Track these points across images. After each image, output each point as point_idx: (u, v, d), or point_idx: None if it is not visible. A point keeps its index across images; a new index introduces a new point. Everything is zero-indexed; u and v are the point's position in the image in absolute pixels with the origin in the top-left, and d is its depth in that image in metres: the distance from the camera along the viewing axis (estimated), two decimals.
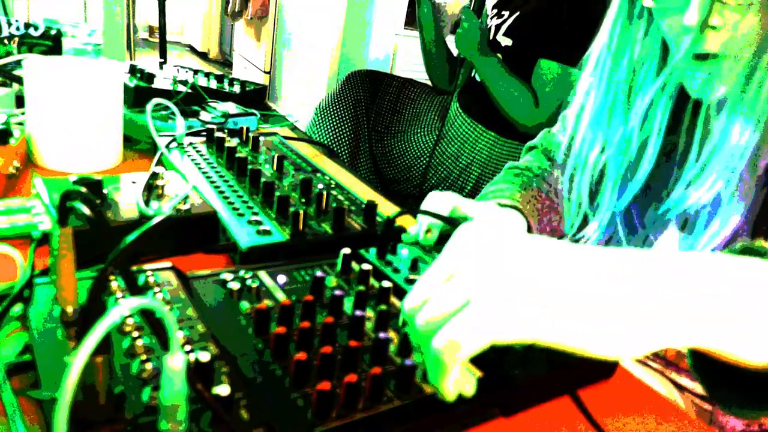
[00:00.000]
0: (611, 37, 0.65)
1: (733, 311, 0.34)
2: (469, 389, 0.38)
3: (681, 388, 0.69)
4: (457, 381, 0.36)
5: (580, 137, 0.70)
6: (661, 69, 0.62)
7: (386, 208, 0.80)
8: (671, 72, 0.59)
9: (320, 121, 1.67)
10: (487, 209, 0.70)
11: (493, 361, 0.43)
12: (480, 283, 0.34)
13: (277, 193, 0.62)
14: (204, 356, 0.34)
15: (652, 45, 0.63)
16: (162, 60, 3.07)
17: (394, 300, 0.49)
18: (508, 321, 0.33)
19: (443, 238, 0.61)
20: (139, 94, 0.91)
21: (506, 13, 1.47)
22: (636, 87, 0.64)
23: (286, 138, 0.95)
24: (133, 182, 0.61)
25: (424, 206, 0.66)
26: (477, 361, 0.43)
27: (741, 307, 0.35)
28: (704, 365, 0.40)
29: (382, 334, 0.40)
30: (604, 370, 0.49)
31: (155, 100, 0.76)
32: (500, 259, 0.35)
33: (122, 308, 0.28)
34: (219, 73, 1.18)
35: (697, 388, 0.68)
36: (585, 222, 0.71)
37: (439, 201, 0.67)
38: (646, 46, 0.63)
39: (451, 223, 0.59)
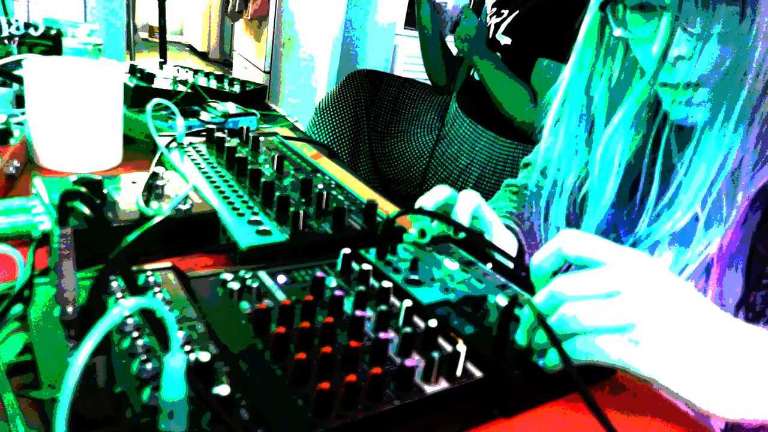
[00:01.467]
0: (580, 69, 0.66)
1: None
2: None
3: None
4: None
5: (554, 167, 0.70)
6: (640, 96, 0.62)
7: (386, 208, 0.80)
8: (639, 98, 0.59)
9: (320, 121, 1.67)
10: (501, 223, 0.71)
11: (493, 361, 0.43)
12: (647, 315, 0.40)
13: (277, 193, 0.62)
14: (204, 356, 0.34)
15: (623, 73, 0.63)
16: (162, 60, 3.07)
17: (394, 300, 0.49)
18: (659, 358, 0.39)
19: (440, 239, 0.61)
20: (139, 94, 0.91)
21: (505, 12, 1.47)
22: (608, 114, 0.65)
23: (286, 138, 0.95)
24: (133, 182, 0.61)
25: (458, 205, 0.65)
26: (477, 360, 0.43)
27: None
28: None
29: (382, 334, 0.40)
30: (604, 371, 0.49)
31: (155, 100, 0.76)
32: (668, 298, 0.41)
33: (122, 308, 0.28)
34: (219, 73, 1.18)
35: None
36: None
37: (469, 200, 0.65)
38: (616, 75, 0.64)
39: (448, 222, 0.59)
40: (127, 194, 0.58)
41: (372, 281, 0.51)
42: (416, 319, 0.47)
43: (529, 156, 0.94)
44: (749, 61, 0.50)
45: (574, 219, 0.71)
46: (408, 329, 0.42)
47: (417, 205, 0.63)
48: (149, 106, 0.75)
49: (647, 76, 0.57)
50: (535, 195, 0.82)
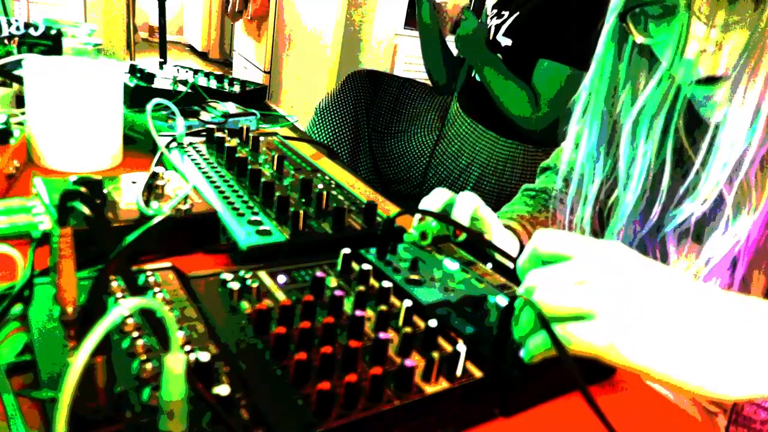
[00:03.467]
0: (600, 79, 0.65)
1: None
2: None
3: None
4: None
5: (577, 174, 0.70)
6: (663, 100, 0.61)
7: (386, 208, 0.80)
8: (662, 101, 0.59)
9: (320, 121, 1.67)
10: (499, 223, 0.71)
11: (493, 361, 0.43)
12: (612, 301, 0.39)
13: (277, 193, 0.62)
14: (204, 356, 0.34)
15: (644, 78, 0.63)
16: (162, 60, 3.08)
17: (394, 300, 0.49)
18: (628, 344, 0.38)
19: (440, 239, 0.61)
20: (139, 94, 0.91)
21: (506, 13, 1.47)
22: (633, 120, 0.64)
23: (286, 138, 0.95)
24: (133, 182, 0.61)
25: (457, 207, 0.64)
26: (477, 360, 0.43)
27: None
28: None
29: (382, 334, 0.40)
30: (603, 371, 0.49)
31: (155, 100, 0.76)
32: (635, 286, 0.39)
33: (122, 308, 0.28)
34: (219, 73, 1.18)
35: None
36: None
37: (468, 201, 0.65)
38: (638, 81, 0.63)
39: (448, 222, 0.59)
40: (127, 194, 0.58)
41: (372, 281, 0.51)
42: (416, 319, 0.47)
43: (547, 161, 0.94)
44: (763, 47, 0.50)
45: (600, 226, 0.71)
46: (408, 329, 0.42)
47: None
48: (149, 106, 0.75)
49: (663, 73, 0.56)
50: (557, 201, 0.81)
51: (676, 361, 0.37)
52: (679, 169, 0.63)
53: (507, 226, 0.76)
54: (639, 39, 0.59)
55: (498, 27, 1.48)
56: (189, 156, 0.75)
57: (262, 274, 0.50)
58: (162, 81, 1.01)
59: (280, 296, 0.47)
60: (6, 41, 0.95)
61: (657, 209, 0.63)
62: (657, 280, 0.40)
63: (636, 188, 0.64)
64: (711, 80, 0.55)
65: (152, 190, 0.60)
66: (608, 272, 0.40)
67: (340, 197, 0.70)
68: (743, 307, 0.40)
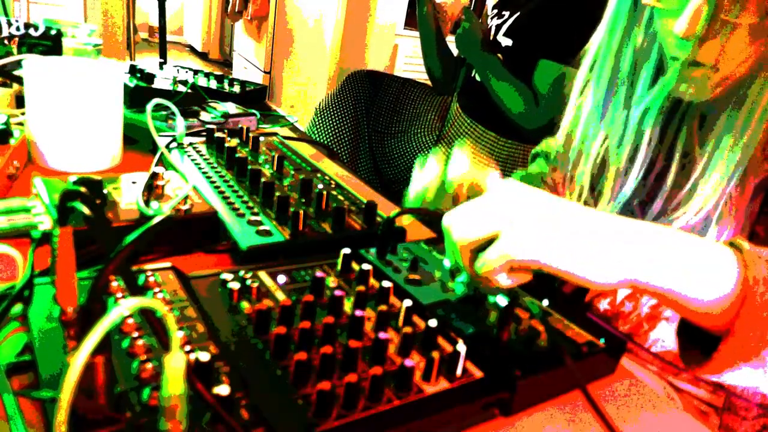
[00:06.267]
0: (611, 33, 0.66)
1: (687, 265, 0.44)
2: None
3: (679, 391, 0.69)
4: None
5: (580, 130, 0.70)
6: (659, 67, 0.62)
7: (386, 208, 0.80)
8: (670, 78, 0.59)
9: (320, 121, 1.67)
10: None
11: (493, 361, 0.43)
12: (509, 218, 0.43)
13: (277, 193, 0.62)
14: (204, 356, 0.34)
15: (651, 43, 0.63)
16: (162, 60, 3.07)
17: (394, 300, 0.49)
18: (529, 247, 0.42)
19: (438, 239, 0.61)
20: (139, 94, 0.91)
21: (506, 14, 1.47)
22: (636, 82, 0.65)
23: (286, 138, 0.95)
24: (133, 182, 0.61)
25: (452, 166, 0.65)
26: (477, 360, 0.43)
27: (691, 263, 0.44)
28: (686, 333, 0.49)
29: (382, 334, 0.40)
30: (602, 370, 0.49)
31: (155, 100, 0.76)
32: (529, 203, 0.44)
33: (122, 308, 0.28)
34: (219, 73, 1.18)
35: (695, 390, 0.68)
36: None
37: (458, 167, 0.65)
38: (645, 44, 0.64)
39: (432, 216, 0.59)
40: (127, 194, 0.58)
41: (372, 281, 0.51)
42: (416, 319, 0.47)
43: (537, 147, 0.94)
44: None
45: (597, 184, 0.71)
46: (408, 329, 0.42)
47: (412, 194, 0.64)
48: (149, 106, 0.75)
49: (670, 53, 0.57)
50: (559, 159, 0.82)
51: (563, 257, 0.42)
52: (683, 172, 0.63)
53: None
54: (647, 0, 0.59)
55: (498, 27, 1.48)
56: (189, 156, 0.75)
57: (262, 274, 0.50)
58: (162, 81, 1.01)
59: (280, 296, 0.47)
60: (6, 41, 0.95)
61: (658, 204, 0.63)
62: (542, 197, 0.46)
63: (625, 149, 0.66)
64: (695, 64, 0.56)
65: (152, 190, 0.60)
66: (502, 195, 0.45)
67: (340, 197, 0.70)
68: (614, 218, 0.46)
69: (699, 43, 0.54)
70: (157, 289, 0.44)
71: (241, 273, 0.49)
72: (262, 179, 0.65)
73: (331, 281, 0.51)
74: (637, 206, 0.68)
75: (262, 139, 0.87)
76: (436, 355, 0.40)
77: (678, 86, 0.59)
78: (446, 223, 0.46)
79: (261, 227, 0.58)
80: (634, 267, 0.43)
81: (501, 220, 0.43)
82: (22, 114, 0.76)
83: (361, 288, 0.46)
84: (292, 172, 0.75)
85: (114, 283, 0.43)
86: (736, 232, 0.58)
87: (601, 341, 0.48)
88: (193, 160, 0.74)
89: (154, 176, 0.61)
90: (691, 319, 0.46)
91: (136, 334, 0.38)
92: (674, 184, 0.63)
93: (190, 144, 0.80)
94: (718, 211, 0.58)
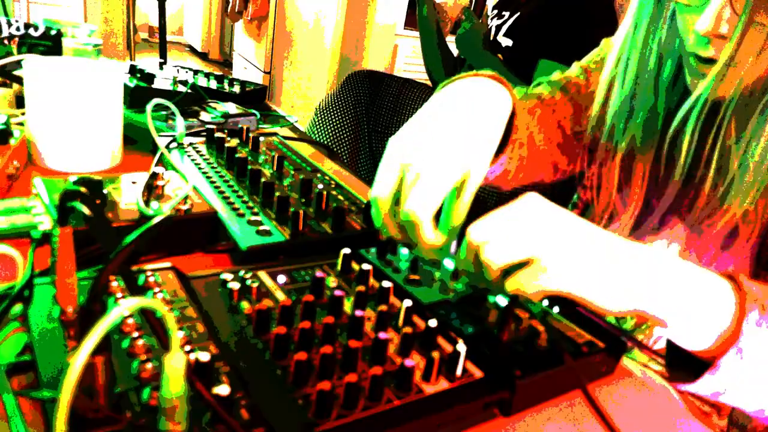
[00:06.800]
0: (636, 28, 0.65)
1: (690, 306, 0.45)
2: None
3: (681, 391, 0.69)
4: None
5: (605, 129, 0.70)
6: (680, 64, 0.63)
7: None
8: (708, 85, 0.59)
9: (320, 121, 1.67)
10: None
11: (493, 361, 0.43)
12: (544, 246, 0.44)
13: (277, 193, 0.62)
14: (204, 356, 0.34)
15: (672, 38, 0.63)
16: (162, 60, 3.07)
17: (394, 300, 0.49)
18: (564, 281, 0.44)
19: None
20: (139, 94, 0.91)
21: (506, 14, 1.47)
22: (661, 77, 0.65)
23: (286, 138, 0.95)
24: (133, 182, 0.61)
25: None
26: (477, 360, 0.43)
27: (693, 303, 0.45)
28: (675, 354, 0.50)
29: (382, 334, 0.40)
30: (602, 370, 0.49)
31: (155, 100, 0.76)
32: (562, 229, 0.46)
33: (122, 308, 0.28)
34: (219, 73, 1.18)
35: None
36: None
37: None
38: (668, 38, 0.63)
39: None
40: (127, 194, 0.58)
41: (372, 281, 0.51)
42: (416, 319, 0.47)
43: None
44: None
45: (624, 178, 0.71)
46: (408, 329, 0.42)
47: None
48: (149, 106, 0.75)
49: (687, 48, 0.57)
50: (589, 151, 0.80)
51: (590, 289, 0.44)
52: (718, 177, 0.62)
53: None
54: None
55: (498, 27, 1.48)
56: (189, 156, 0.75)
57: (262, 274, 0.50)
58: (162, 81, 1.01)
59: (280, 296, 0.47)
60: (6, 41, 0.95)
61: (696, 210, 0.63)
62: (572, 221, 0.47)
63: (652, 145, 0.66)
64: (709, 60, 0.56)
65: (152, 190, 0.60)
66: (535, 214, 0.46)
67: (340, 197, 0.70)
68: (630, 246, 0.47)
69: (717, 41, 0.54)
70: (157, 289, 0.44)
71: (241, 273, 0.49)
72: (262, 179, 0.65)
73: (331, 281, 0.51)
74: (676, 210, 0.68)
75: (262, 139, 0.87)
76: (436, 355, 0.40)
77: (694, 82, 0.59)
78: (477, 239, 0.46)
79: (261, 227, 0.58)
80: (643, 298, 0.45)
81: (537, 247, 0.44)
82: (22, 114, 0.76)
83: (361, 288, 0.46)
84: (292, 172, 0.75)
85: (114, 283, 0.43)
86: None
87: (601, 341, 0.48)
88: (193, 160, 0.74)
89: (154, 176, 0.61)
90: (683, 346, 0.48)
91: (136, 334, 0.38)
92: (710, 188, 0.62)
93: (190, 144, 0.80)
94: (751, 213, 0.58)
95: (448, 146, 0.52)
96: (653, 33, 0.64)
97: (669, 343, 0.50)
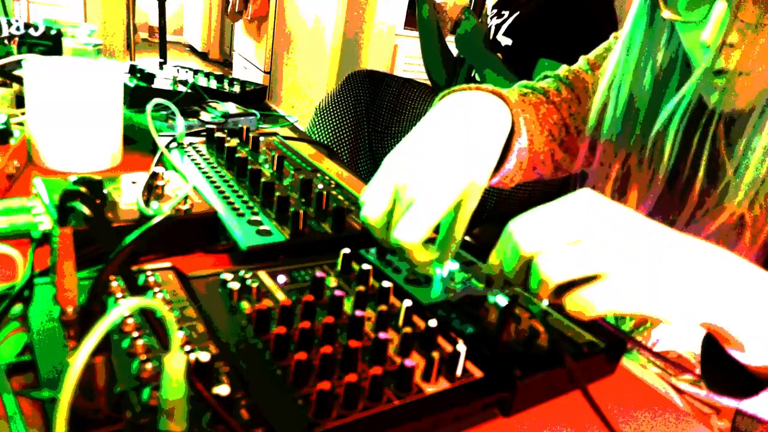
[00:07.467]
0: (629, 51, 0.64)
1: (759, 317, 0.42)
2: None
3: (680, 392, 0.69)
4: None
5: (600, 150, 0.69)
6: (683, 79, 0.61)
7: None
8: (691, 86, 0.58)
9: (320, 121, 1.67)
10: None
11: (493, 361, 0.43)
12: (614, 259, 0.40)
13: (277, 193, 0.62)
14: (204, 356, 0.34)
15: (674, 60, 0.62)
16: (162, 60, 3.07)
17: (394, 300, 0.49)
18: (637, 302, 0.40)
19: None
20: (139, 94, 0.91)
21: (506, 13, 1.47)
22: (658, 95, 0.63)
23: (286, 138, 0.95)
24: (133, 182, 0.61)
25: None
26: (477, 360, 0.43)
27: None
28: (711, 353, 0.47)
29: (382, 334, 0.40)
30: (603, 370, 0.49)
31: (155, 100, 0.76)
32: (628, 239, 0.41)
33: (122, 308, 0.28)
34: (219, 73, 1.18)
35: (696, 391, 0.68)
36: None
37: None
38: (667, 55, 0.62)
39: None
40: (127, 194, 0.58)
41: (372, 281, 0.51)
42: (416, 319, 0.47)
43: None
44: None
45: (619, 198, 0.69)
46: (408, 329, 0.42)
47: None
48: (149, 106, 0.75)
49: (699, 63, 0.56)
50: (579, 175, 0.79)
51: (661, 306, 0.40)
52: (711, 180, 0.61)
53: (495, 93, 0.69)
54: (666, 14, 0.58)
55: (498, 27, 1.48)
56: (189, 156, 0.75)
57: (262, 274, 0.50)
58: (162, 81, 1.01)
59: (280, 296, 0.47)
60: (6, 41, 0.95)
61: (687, 213, 0.62)
62: (636, 221, 0.42)
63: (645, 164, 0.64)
64: (721, 72, 0.54)
65: (152, 190, 0.60)
66: (594, 218, 0.41)
67: (340, 197, 0.70)
68: (712, 254, 0.43)
69: (725, 50, 0.53)
70: (157, 289, 0.44)
71: (241, 273, 0.49)
72: (262, 179, 0.65)
73: (331, 281, 0.51)
74: (664, 215, 0.67)
75: (262, 139, 0.87)
76: (436, 355, 0.40)
77: (709, 97, 0.57)
78: (528, 248, 0.41)
79: (261, 227, 0.58)
80: (715, 312, 0.42)
81: (607, 261, 0.40)
82: (22, 114, 0.76)
83: (361, 288, 0.46)
84: (292, 172, 0.75)
85: (114, 283, 0.43)
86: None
87: (601, 341, 0.48)
88: (193, 160, 0.74)
89: (154, 176, 0.61)
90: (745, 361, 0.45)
91: (136, 334, 0.38)
92: (702, 190, 0.61)
93: (190, 144, 0.80)
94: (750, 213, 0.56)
95: (445, 168, 0.50)
96: (646, 56, 0.63)
97: (705, 352, 0.48)
